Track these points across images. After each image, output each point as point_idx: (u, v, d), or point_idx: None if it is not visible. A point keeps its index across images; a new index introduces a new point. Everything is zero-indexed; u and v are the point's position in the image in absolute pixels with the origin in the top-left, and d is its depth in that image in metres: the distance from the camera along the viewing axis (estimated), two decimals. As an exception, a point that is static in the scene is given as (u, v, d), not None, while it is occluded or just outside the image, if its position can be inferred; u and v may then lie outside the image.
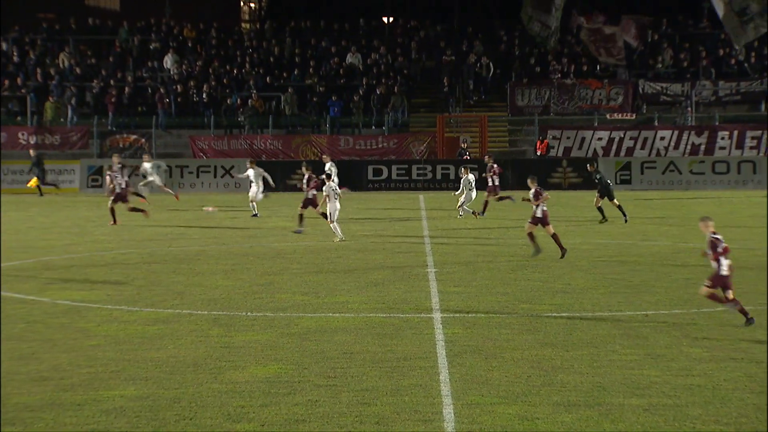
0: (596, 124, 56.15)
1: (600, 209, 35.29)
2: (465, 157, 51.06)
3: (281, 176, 51.05)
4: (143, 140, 54.87)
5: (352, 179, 50.87)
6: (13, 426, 11.69)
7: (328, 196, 30.29)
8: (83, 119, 55.87)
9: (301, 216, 32.37)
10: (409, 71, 60.51)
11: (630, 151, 54.86)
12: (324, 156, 43.79)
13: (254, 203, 37.81)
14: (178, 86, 57.56)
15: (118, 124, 56.09)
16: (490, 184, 38.91)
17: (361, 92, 57.10)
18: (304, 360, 14.97)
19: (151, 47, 60.96)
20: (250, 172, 38.26)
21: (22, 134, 54.58)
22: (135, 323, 17.90)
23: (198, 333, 16.99)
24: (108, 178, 38.01)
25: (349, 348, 15.78)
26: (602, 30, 56.41)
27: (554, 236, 26.32)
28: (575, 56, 60.25)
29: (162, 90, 56.89)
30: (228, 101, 56.99)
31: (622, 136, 55.24)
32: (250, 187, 38.28)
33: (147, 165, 43.16)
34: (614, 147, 55.03)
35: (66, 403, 12.60)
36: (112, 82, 57.63)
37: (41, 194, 49.01)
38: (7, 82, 57.02)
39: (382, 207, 43.00)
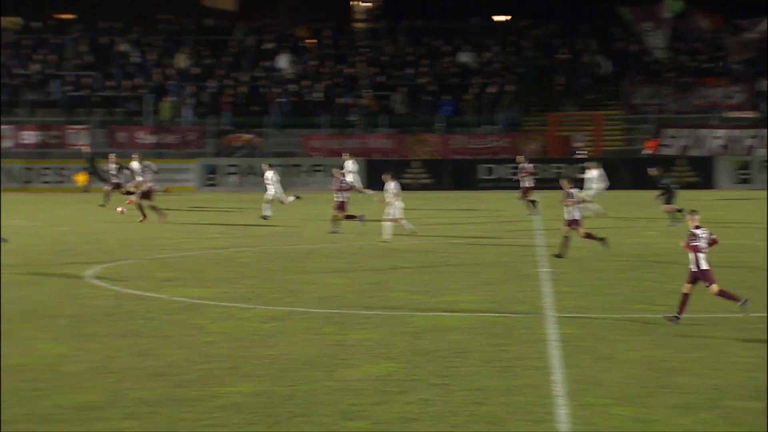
0: (714, 122, 55.15)
1: (671, 211, 34.31)
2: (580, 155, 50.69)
3: (393, 176, 51.16)
4: (257, 139, 55.50)
5: (462, 178, 50.87)
6: (132, 420, 11.90)
7: (392, 195, 30.26)
8: (199, 119, 56.74)
9: (335, 218, 32.32)
10: (522, 70, 60.16)
11: (749, 150, 53.75)
12: (345, 154, 43.66)
13: (269, 204, 36.74)
14: (292, 86, 58.10)
15: (233, 123, 56.82)
16: (523, 185, 38.92)
17: (473, 91, 56.94)
18: (417, 359, 14.97)
19: (266, 47, 61.64)
20: (269, 174, 37.00)
21: (140, 134, 55.64)
22: (249, 320, 18.10)
23: (311, 331, 17.10)
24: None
25: (462, 347, 15.73)
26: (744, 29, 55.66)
27: (587, 235, 26.23)
28: (694, 53, 59.25)
29: (276, 89, 57.49)
30: (341, 100, 57.33)
31: (741, 134, 54.16)
32: (268, 189, 36.86)
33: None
34: (733, 146, 53.98)
35: (182, 399, 12.78)
36: (227, 82, 58.43)
37: (84, 190, 49.47)
38: (126, 82, 58.16)
39: (493, 207, 42.81)
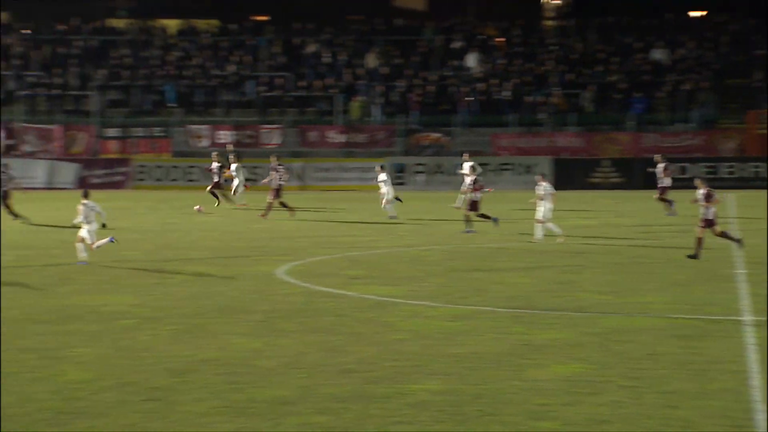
0: None
1: None
2: None
3: (582, 174, 50.64)
4: (444, 138, 55.66)
5: (654, 177, 49.75)
6: (324, 415, 12.07)
7: (544, 195, 29.76)
8: (388, 118, 57.27)
9: (468, 217, 32.06)
10: (719, 66, 58.59)
11: None
12: (465, 155, 43.07)
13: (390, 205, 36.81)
14: (480, 85, 58.05)
15: (422, 122, 57.13)
16: (661, 185, 37.71)
17: (666, 89, 55.76)
18: (607, 360, 14.73)
19: (454, 46, 61.77)
20: (382, 176, 37.05)
21: (330, 133, 56.53)
22: (437, 319, 18.14)
23: (498, 330, 17.02)
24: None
25: (653, 349, 15.40)
26: None
27: (722, 234, 25.67)
28: None
29: (464, 88, 57.54)
30: (529, 99, 56.99)
31: None
32: (384, 187, 36.91)
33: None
34: None
35: (372, 395, 12.89)
36: (416, 81, 58.80)
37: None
38: (317, 82, 59.17)
39: (685, 207, 41.78)
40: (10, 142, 55.19)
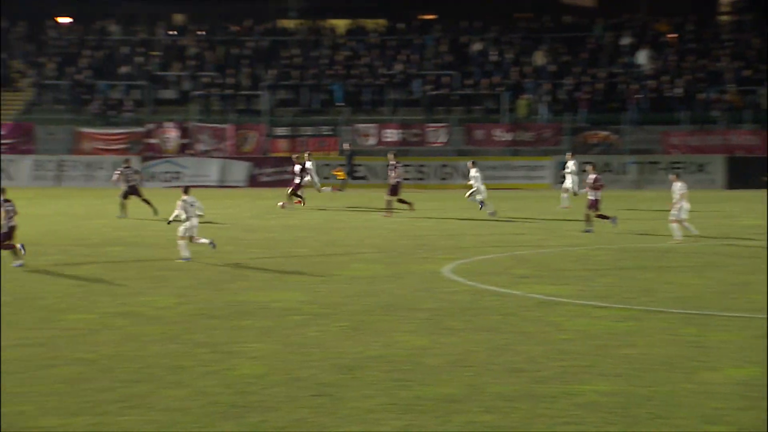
0: None
1: None
2: None
3: (757, 173, 49.17)
4: (613, 136, 54.86)
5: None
6: (491, 414, 12.03)
7: (678, 195, 28.88)
8: (555, 116, 56.76)
9: (588, 216, 31.67)
10: None
11: None
12: (567, 154, 41.75)
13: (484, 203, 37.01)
14: (651, 82, 57.02)
15: (590, 120, 56.42)
16: None
17: None
18: (783, 365, 14.29)
19: (624, 43, 60.82)
20: (473, 171, 37.19)
21: (497, 131, 56.33)
22: (605, 319, 17.90)
23: (669, 331, 16.69)
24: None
25: (833, 355, 14.87)
26: None
27: None
28: None
29: (634, 86, 56.61)
30: (702, 96, 55.68)
31: None
32: (475, 184, 37.12)
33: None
34: None
35: (540, 395, 12.80)
36: (584, 78, 58.13)
37: (341, 189, 50.11)
38: (484, 81, 59.07)
39: None
40: (186, 141, 56.70)
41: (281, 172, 52.66)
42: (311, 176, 41.02)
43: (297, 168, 40.70)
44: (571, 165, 42.13)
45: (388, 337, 16.32)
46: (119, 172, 37.60)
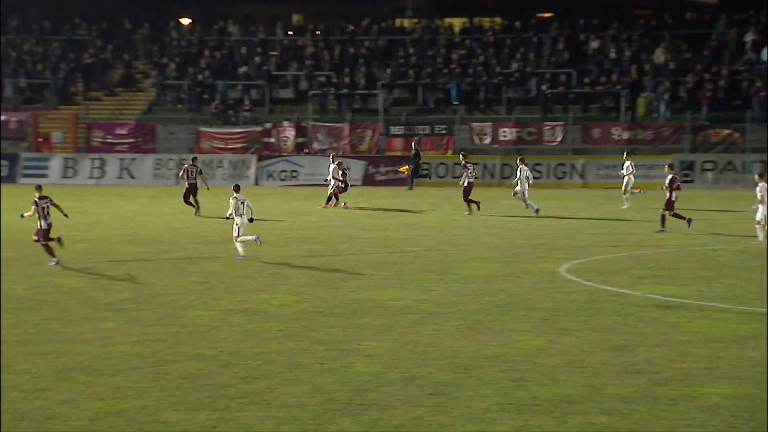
0: None
1: None
2: None
3: (762, 175, 47.76)
4: (736, 134, 53.80)
5: None
6: (609, 416, 11.89)
7: (760, 196, 27.97)
8: (675, 114, 55.86)
9: (663, 217, 31.32)
10: None
11: None
12: (625, 153, 40.31)
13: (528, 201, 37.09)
14: (775, 79, 55.74)
15: (711, 118, 55.39)
16: None
17: None
18: None
19: (748, 39, 59.57)
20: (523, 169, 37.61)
21: (616, 130, 55.67)
22: (727, 321, 17.56)
23: (795, 334, 16.30)
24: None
25: None
26: None
27: None
28: None
29: (758, 83, 55.41)
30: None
31: None
32: (519, 184, 37.38)
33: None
34: None
35: (660, 397, 12.60)
36: (706, 76, 57.10)
37: (411, 187, 49.64)
38: (602, 79, 58.43)
39: None
40: (302, 140, 57.22)
41: (396, 171, 52.72)
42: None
43: (331, 168, 41.02)
44: (627, 165, 41.53)
45: (505, 337, 16.24)
46: (185, 168, 38.04)
